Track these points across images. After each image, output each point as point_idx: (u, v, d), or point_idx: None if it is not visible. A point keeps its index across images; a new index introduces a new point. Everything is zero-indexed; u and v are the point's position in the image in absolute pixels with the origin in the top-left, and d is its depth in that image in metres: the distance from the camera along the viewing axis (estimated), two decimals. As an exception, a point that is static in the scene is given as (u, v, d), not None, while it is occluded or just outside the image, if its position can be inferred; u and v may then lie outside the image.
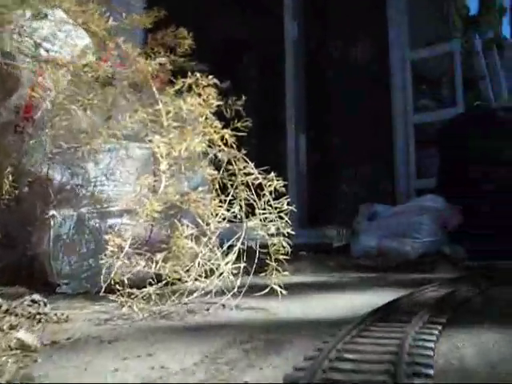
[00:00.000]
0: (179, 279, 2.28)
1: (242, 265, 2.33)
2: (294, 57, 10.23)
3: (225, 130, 2.35)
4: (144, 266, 2.14)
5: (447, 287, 2.62)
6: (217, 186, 2.34)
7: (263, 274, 2.50)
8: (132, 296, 2.24)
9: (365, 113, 10.28)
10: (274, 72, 10.59)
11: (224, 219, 2.34)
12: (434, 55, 9.40)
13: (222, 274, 2.26)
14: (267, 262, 2.36)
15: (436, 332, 1.71)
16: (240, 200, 2.35)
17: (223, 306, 2.42)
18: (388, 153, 9.53)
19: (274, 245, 2.28)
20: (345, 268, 5.19)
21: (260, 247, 2.35)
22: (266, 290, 2.46)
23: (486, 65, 8.69)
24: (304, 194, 9.49)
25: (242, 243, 2.34)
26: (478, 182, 6.84)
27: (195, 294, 2.36)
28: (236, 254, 2.31)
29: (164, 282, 2.31)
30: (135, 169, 2.95)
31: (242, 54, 11.09)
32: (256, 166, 2.33)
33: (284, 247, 2.30)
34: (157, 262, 2.12)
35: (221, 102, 2.46)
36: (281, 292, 2.41)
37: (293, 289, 3.38)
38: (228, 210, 2.33)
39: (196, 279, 2.26)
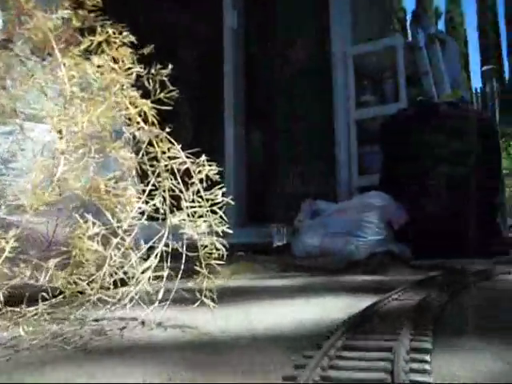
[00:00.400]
0: (81, 292, 1.77)
1: (166, 272, 1.84)
2: (233, 46, 9.75)
3: (143, 101, 1.85)
4: (31, 276, 1.60)
5: (412, 293, 2.23)
6: (134, 173, 1.84)
7: (192, 283, 2.01)
8: (17, 316, 1.71)
9: (306, 107, 9.97)
10: (212, 62, 10.09)
11: (142, 214, 1.84)
12: (376, 50, 9.17)
13: (138, 283, 1.76)
14: (197, 267, 1.87)
15: (427, 367, 1.27)
16: (163, 190, 1.85)
17: (142, 323, 1.93)
18: (330, 149, 9.23)
19: (206, 246, 1.80)
20: (288, 270, 4.76)
21: (189, 249, 1.86)
22: (197, 303, 1.97)
23: (428, 60, 8.51)
24: (243, 191, 9.03)
25: (166, 244, 1.85)
26: (422, 178, 6.59)
27: (104, 310, 1.86)
28: (157, 259, 1.82)
29: (62, 296, 1.79)
30: (37, 153, 2.39)
31: (179, 41, 10.50)
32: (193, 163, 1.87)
33: (218, 249, 1.82)
34: (47, 270, 1.60)
35: (140, 69, 1.97)
36: (212, 305, 1.92)
37: (231, 296, 2.92)
38: (147, 203, 1.83)
39: (104, 290, 1.75)
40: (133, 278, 1.77)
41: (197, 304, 1.94)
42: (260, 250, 7.71)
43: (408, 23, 8.99)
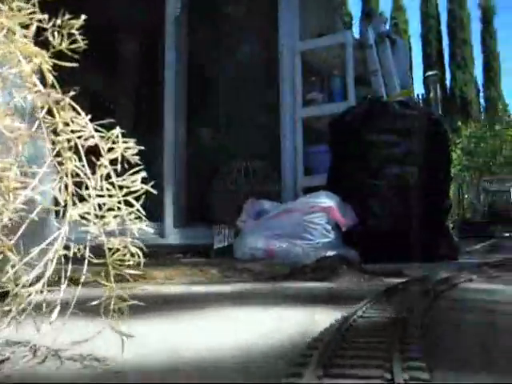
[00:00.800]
0: None
1: (65, 282, 1.37)
2: (175, 35, 9.20)
3: (37, 49, 1.38)
4: None
5: (379, 308, 1.85)
6: (21, 149, 1.37)
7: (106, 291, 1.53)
8: None
9: (251, 104, 9.60)
10: (153, 53, 9.53)
11: (32, 205, 1.38)
12: (325, 46, 8.89)
13: (17, 297, 1.28)
14: (106, 275, 1.41)
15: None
16: (66, 174, 1.39)
17: (34, 352, 1.45)
18: (275, 147, 8.88)
19: (117, 250, 1.34)
20: (229, 274, 4.32)
21: (96, 252, 1.41)
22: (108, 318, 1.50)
23: (378, 59, 8.28)
24: (182, 189, 8.53)
25: (66, 246, 1.39)
26: (371, 178, 6.30)
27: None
28: (52, 265, 1.35)
29: None
30: None
31: (117, 29, 9.87)
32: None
33: (133, 254, 1.36)
34: None
35: (42, 18, 1.51)
36: (121, 333, 1.44)
37: (162, 305, 2.46)
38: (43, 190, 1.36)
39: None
40: (9, 293, 1.29)
41: (107, 319, 1.46)
42: (201, 253, 7.25)
43: (358, 21, 8.66)
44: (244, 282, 3.83)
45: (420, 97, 18.44)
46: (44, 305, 1.43)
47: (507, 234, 15.01)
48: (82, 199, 1.38)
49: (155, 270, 3.99)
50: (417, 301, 1.95)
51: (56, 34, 1.55)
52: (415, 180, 6.09)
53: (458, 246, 6.49)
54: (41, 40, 1.62)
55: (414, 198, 6.08)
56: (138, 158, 1.43)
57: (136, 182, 1.37)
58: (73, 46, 1.47)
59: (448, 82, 28.33)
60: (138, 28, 9.76)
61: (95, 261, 1.36)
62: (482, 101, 26.42)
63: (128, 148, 1.39)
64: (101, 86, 9.04)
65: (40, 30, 1.63)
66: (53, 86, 1.47)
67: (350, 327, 1.55)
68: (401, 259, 5.72)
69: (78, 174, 1.42)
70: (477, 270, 3.68)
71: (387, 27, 8.54)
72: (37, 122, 1.45)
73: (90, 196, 1.33)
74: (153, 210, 8.18)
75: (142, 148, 1.47)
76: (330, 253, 5.61)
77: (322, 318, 1.79)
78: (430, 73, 17.44)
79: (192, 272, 4.17)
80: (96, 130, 1.42)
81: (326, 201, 5.65)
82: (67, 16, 1.57)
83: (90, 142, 1.37)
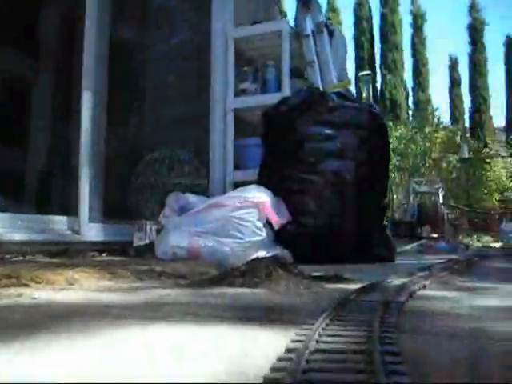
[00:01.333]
0: None
1: None
2: (96, 19, 8.43)
3: None
4: None
5: (338, 328, 1.34)
6: None
7: None
8: None
9: (179, 93, 9.01)
10: (72, 37, 8.71)
11: None
12: (260, 34, 8.41)
13: None
14: None
15: None
16: None
17: None
18: (204, 139, 8.33)
19: None
20: (146, 278, 3.72)
21: None
22: None
23: (315, 49, 7.89)
24: (100, 181, 7.79)
25: None
26: (306, 174, 5.86)
27: None
28: None
29: None
30: None
31: (37, 13, 8.99)
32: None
33: None
34: None
35: None
36: None
37: (48, 323, 1.86)
38: None
39: None
40: None
41: None
42: (119, 251, 6.58)
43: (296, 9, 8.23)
44: (161, 287, 3.26)
45: (352, 97, 18.36)
46: None
47: (435, 235, 15.11)
48: None
49: (55, 272, 3.35)
50: (381, 319, 1.46)
51: None
52: (353, 176, 5.70)
53: (395, 246, 6.16)
54: None
55: (352, 195, 5.69)
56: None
57: None
58: None
59: (379, 85, 28.66)
60: (55, 9, 8.92)
61: None
62: (410, 104, 26.89)
63: None
64: (11, 69, 8.18)
65: None
66: None
67: (308, 366, 1.04)
68: (336, 260, 5.33)
69: None
70: (427, 275, 3.27)
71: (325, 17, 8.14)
72: None
73: None
74: (65, 202, 7.43)
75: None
76: (262, 253, 5.13)
77: (267, 348, 1.28)
78: (363, 73, 17.37)
79: (100, 275, 3.54)
80: None
81: (258, 196, 5.15)
82: None
83: None
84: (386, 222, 6.00)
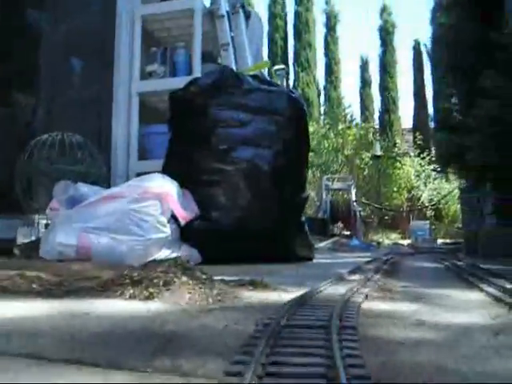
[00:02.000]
0: None
1: None
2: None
3: None
4: None
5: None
6: None
7: None
8: None
9: (81, 75, 8.07)
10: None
11: None
12: (170, 12, 7.65)
13: None
14: None
15: None
16: None
17: None
18: (106, 124, 7.47)
19: None
20: (12, 286, 2.91)
21: None
22: None
23: (230, 31, 7.24)
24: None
25: None
26: (217, 163, 5.19)
27: None
28: None
29: None
30: None
31: None
32: None
33: None
34: None
35: None
36: None
37: None
38: None
39: None
40: None
41: None
42: (2, 249, 5.61)
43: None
44: (27, 297, 2.49)
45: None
46: None
47: (348, 233, 14.94)
48: None
49: None
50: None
51: None
52: (270, 166, 5.11)
53: (313, 244, 5.64)
54: None
55: (268, 187, 5.10)
56: None
57: None
58: None
59: (291, 82, 28.53)
60: None
61: None
62: (322, 102, 26.92)
63: None
64: None
65: None
66: None
67: None
68: (252, 259, 4.73)
69: None
70: (362, 280, 2.71)
71: (241, -1, 7.50)
72: None
73: None
74: None
75: None
76: (165, 252, 4.42)
77: None
78: (277, 67, 16.93)
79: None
80: None
81: (161, 186, 4.43)
82: None
83: None
84: (307, 217, 5.44)
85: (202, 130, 5.33)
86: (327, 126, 18.30)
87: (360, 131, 18.18)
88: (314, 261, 5.45)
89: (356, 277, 2.98)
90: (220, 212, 5.08)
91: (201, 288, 2.26)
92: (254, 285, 2.64)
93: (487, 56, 6.38)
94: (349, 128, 18.13)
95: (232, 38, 7.23)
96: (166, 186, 4.44)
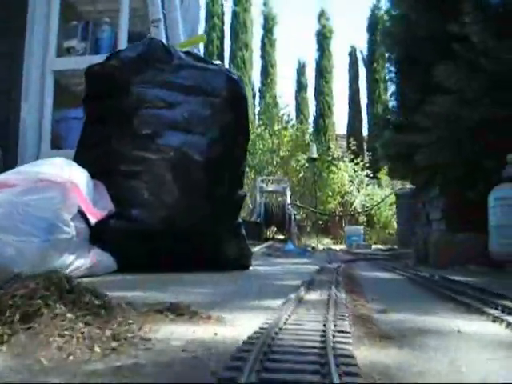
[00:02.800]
0: None
1: None
2: None
3: None
4: None
5: None
6: None
7: None
8: None
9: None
10: None
11: None
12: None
13: None
14: None
15: None
16: None
17: None
18: (14, 107, 6.37)
19: None
20: None
21: None
22: None
23: (162, 5, 6.34)
24: None
25: None
26: (139, 150, 4.29)
27: None
28: None
29: None
30: None
31: None
32: None
33: None
34: None
35: None
36: None
37: None
38: None
39: None
40: None
41: None
42: None
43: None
44: None
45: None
46: None
47: (282, 237, 14.23)
48: None
49: None
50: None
51: None
52: (203, 156, 4.26)
53: (250, 250, 4.82)
54: None
55: (200, 181, 4.25)
56: None
57: None
58: None
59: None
60: None
61: None
62: (257, 104, 26.22)
63: None
64: None
65: None
66: None
67: None
68: (178, 267, 3.87)
69: None
70: (325, 302, 1.91)
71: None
72: None
73: None
74: None
75: None
76: (69, 258, 3.47)
77: None
78: (214, 63, 16.09)
79: None
80: None
81: (65, 174, 3.48)
82: None
83: None
84: (241, 219, 4.62)
85: (122, 111, 4.41)
86: (263, 127, 17.56)
87: (296, 132, 17.57)
88: (252, 268, 4.63)
89: (316, 295, 2.19)
90: (141, 209, 4.18)
91: (86, 324, 1.37)
92: (177, 311, 1.78)
93: (443, 48, 5.80)
94: (285, 129, 17.46)
95: (164, 14, 6.34)
96: (71, 175, 3.49)
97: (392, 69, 7.44)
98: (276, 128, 17.25)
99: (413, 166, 6.85)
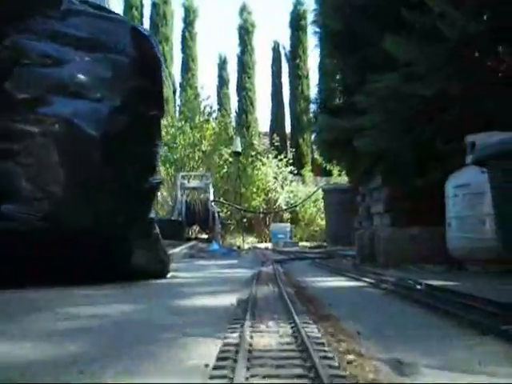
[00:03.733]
0: None
1: None
2: None
3: None
4: None
5: None
6: None
7: None
8: None
9: None
10: None
11: None
12: None
13: None
14: None
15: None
16: None
17: None
18: None
19: None
20: None
21: None
22: None
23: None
24: None
25: None
26: (16, 123, 3.14)
27: None
28: None
29: None
30: None
31: None
32: None
33: None
34: None
35: None
36: None
37: None
38: None
39: None
40: None
41: None
42: None
43: None
44: None
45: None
46: None
47: (205, 236, 13.14)
48: None
49: None
50: None
51: None
52: (101, 130, 3.16)
53: (167, 253, 3.75)
54: None
55: (97, 163, 3.14)
56: None
57: None
58: None
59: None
60: None
61: None
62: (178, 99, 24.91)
63: None
64: None
65: None
66: None
67: None
68: (66, 278, 2.78)
69: None
70: (292, 336, 0.91)
71: None
72: None
73: None
74: None
75: None
76: None
77: None
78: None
79: None
80: None
81: None
82: None
83: None
84: (154, 215, 3.53)
85: (-9, 70, 3.22)
86: (183, 120, 16.34)
87: (219, 125, 16.50)
88: (170, 275, 3.57)
89: (269, 340, 1.18)
90: (17, 202, 3.04)
91: None
92: None
93: (389, 17, 5.00)
94: (207, 121, 16.33)
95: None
96: None
97: (328, 45, 6.58)
98: (198, 121, 16.11)
99: (352, 152, 6.03)
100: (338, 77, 6.46)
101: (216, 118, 17.15)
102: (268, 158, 18.81)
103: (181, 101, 22.92)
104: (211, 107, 17.12)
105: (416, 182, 5.06)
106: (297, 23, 25.10)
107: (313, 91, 21.47)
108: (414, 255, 4.72)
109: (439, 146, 4.71)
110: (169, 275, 3.60)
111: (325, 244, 13.91)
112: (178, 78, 26.84)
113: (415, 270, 4.29)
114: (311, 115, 6.81)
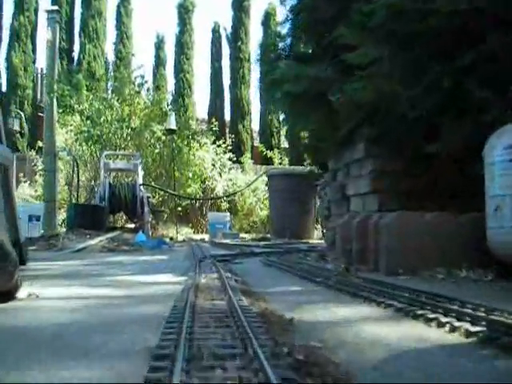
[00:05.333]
0: None
1: None
2: None
3: None
4: None
5: None
6: None
7: None
8: None
9: None
10: None
11: None
12: None
13: None
14: None
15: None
16: None
17: None
18: None
19: None
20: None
21: None
22: None
23: None
24: None
25: None
26: None
27: None
28: None
29: None
30: None
31: None
32: None
33: None
34: None
35: None
36: None
37: None
38: None
39: None
40: None
41: None
42: None
43: None
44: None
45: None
46: None
47: (133, 225, 11.08)
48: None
49: None
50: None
51: None
52: None
53: (15, 259, 1.80)
54: None
55: None
56: None
57: None
58: None
59: (76, 54, 23.68)
60: None
61: None
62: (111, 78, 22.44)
63: None
64: None
65: None
66: None
67: None
68: None
69: None
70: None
71: None
72: None
73: None
74: None
75: None
76: None
77: None
78: (49, 8, 12.55)
79: None
80: None
81: None
82: None
83: None
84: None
85: None
86: (111, 94, 14.05)
87: (152, 97, 14.29)
88: (21, 298, 1.62)
89: None
90: None
91: None
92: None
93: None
94: (138, 93, 14.06)
95: None
96: None
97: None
98: (127, 93, 13.82)
99: (326, 111, 4.27)
100: (302, 15, 4.65)
101: (148, 90, 14.94)
102: (206, 143, 16.84)
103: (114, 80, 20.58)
104: (143, 77, 14.85)
105: (426, 147, 3.37)
106: (239, 4, 23.21)
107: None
108: (431, 254, 3.03)
109: (474, 92, 3.02)
110: (23, 294, 1.67)
111: (268, 236, 12.21)
112: (111, 56, 24.35)
113: (448, 280, 2.60)
114: (270, 64, 4.98)
